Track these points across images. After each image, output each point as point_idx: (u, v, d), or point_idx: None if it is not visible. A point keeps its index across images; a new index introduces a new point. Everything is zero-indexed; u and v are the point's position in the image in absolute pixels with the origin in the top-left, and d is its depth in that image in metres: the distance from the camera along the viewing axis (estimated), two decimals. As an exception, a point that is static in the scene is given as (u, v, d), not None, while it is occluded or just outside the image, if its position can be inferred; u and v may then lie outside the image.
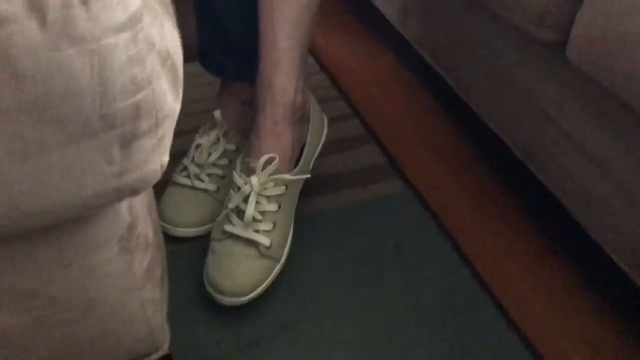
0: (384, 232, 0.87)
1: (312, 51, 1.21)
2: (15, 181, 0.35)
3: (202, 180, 0.82)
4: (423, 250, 0.84)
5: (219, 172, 0.83)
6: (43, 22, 0.32)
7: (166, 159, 0.42)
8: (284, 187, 0.75)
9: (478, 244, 0.86)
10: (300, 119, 0.78)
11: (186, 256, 0.80)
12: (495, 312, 0.77)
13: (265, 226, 0.73)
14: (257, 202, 0.73)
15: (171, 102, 0.41)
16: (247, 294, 0.72)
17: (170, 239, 0.80)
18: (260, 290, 0.73)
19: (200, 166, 0.83)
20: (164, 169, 0.42)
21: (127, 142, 0.38)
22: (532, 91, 0.71)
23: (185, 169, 0.83)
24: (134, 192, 0.41)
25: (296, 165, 0.79)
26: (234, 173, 0.76)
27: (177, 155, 0.89)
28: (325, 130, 0.87)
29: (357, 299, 0.77)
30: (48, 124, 0.34)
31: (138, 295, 0.52)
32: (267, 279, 0.73)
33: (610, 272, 0.76)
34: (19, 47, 0.31)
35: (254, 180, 0.73)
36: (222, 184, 0.82)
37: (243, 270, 0.72)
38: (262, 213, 0.73)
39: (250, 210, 0.72)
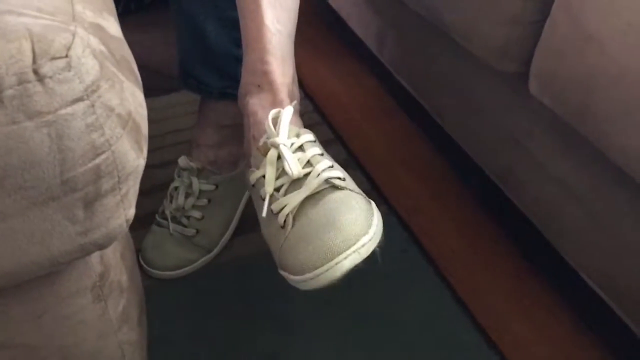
0: (367, 257, 0.88)
1: (296, 76, 1.23)
2: (-20, 246, 0.36)
3: (181, 224, 0.82)
4: (406, 274, 0.86)
5: (198, 214, 0.82)
6: (0, 98, 0.33)
7: (131, 212, 0.44)
8: (312, 136, 0.61)
9: (459, 267, 0.87)
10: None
11: (165, 290, 0.81)
12: (477, 334, 0.79)
13: (323, 164, 0.57)
14: (294, 152, 0.57)
15: (133, 159, 0.42)
16: (369, 233, 0.53)
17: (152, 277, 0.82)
18: (376, 224, 0.55)
19: (179, 209, 0.82)
20: (130, 222, 0.44)
21: (90, 202, 0.39)
22: (503, 119, 0.73)
23: (164, 211, 0.83)
24: (100, 247, 0.42)
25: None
26: (250, 179, 0.61)
27: (161, 187, 0.91)
28: None
29: (340, 325, 0.79)
30: (9, 192, 0.36)
31: (114, 338, 0.53)
32: (374, 214, 0.55)
33: (587, 293, 0.78)
34: (-24, 124, 0.33)
35: (274, 139, 0.57)
36: (202, 225, 0.82)
37: (346, 214, 0.53)
38: (308, 163, 0.57)
39: (293, 161, 0.56)
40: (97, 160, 0.38)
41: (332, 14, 1.23)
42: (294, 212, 0.55)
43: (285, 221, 0.55)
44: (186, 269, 0.82)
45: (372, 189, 0.99)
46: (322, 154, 0.59)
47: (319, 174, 0.55)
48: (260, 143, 0.60)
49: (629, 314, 0.66)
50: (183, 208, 0.82)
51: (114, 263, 0.51)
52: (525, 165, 0.71)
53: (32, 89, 0.34)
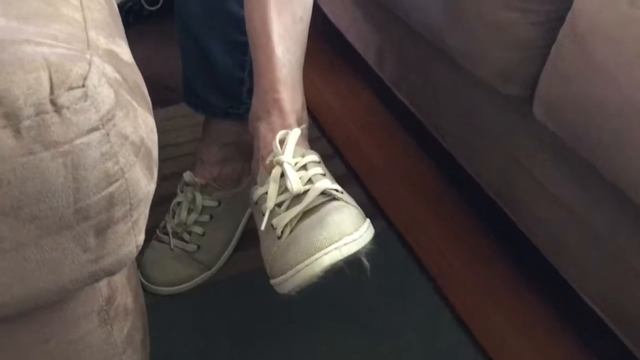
0: (366, 274, 0.88)
1: (294, 90, 1.23)
2: (-8, 275, 0.36)
3: (182, 239, 0.82)
4: (405, 291, 0.86)
5: (199, 230, 0.82)
6: (17, 129, 0.33)
7: (141, 238, 0.43)
8: (316, 156, 0.63)
9: (458, 284, 0.87)
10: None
11: (165, 307, 0.81)
12: (475, 352, 0.79)
13: (322, 183, 0.58)
14: (298, 171, 0.59)
15: (145, 185, 0.42)
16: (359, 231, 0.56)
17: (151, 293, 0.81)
18: (367, 226, 0.57)
19: (181, 224, 0.82)
20: (140, 247, 0.44)
21: (102, 229, 0.39)
22: (504, 139, 0.73)
23: (165, 226, 0.83)
24: (109, 273, 0.42)
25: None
26: (253, 196, 0.63)
27: (161, 201, 0.91)
28: None
29: (340, 342, 0.79)
30: (23, 222, 0.35)
31: (119, 361, 0.53)
32: (365, 221, 0.58)
33: (587, 313, 0.78)
34: (-7, 155, 0.33)
35: (280, 157, 0.59)
36: (203, 241, 0.82)
37: (338, 215, 0.56)
38: (309, 181, 0.59)
39: (295, 178, 0.57)
40: (111, 189, 0.38)
41: (331, 28, 1.24)
42: (293, 224, 0.57)
43: (282, 232, 0.57)
44: (186, 285, 0.82)
45: (371, 204, 0.99)
46: (324, 174, 0.61)
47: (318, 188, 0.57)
48: (267, 161, 0.62)
49: (628, 335, 0.66)
50: (185, 223, 0.82)
51: (120, 286, 0.50)
52: (526, 185, 0.72)
53: (50, 119, 0.34)
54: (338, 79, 1.27)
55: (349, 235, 0.54)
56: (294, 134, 0.61)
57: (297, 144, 0.61)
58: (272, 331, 0.78)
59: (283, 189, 0.59)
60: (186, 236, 0.82)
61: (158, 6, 1.28)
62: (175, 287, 0.81)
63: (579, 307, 0.78)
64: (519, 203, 0.75)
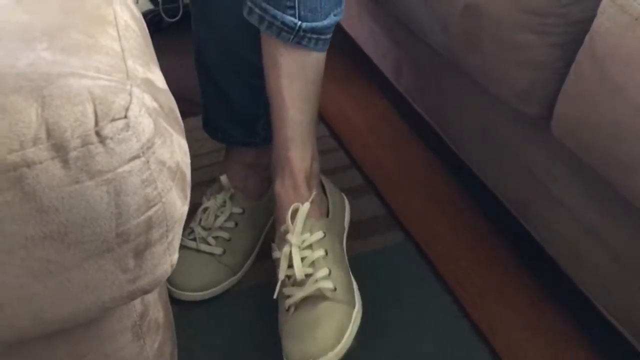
0: (384, 286, 0.89)
1: (311, 101, 1.25)
2: (38, 296, 0.38)
3: (208, 243, 0.85)
4: (422, 303, 0.87)
5: (225, 235, 0.85)
6: (65, 160, 0.35)
7: (176, 257, 0.45)
8: (322, 233, 0.75)
9: (475, 295, 0.88)
10: (318, 185, 0.80)
11: (189, 317, 0.82)
12: (494, 364, 0.80)
13: (321, 272, 0.71)
14: (302, 258, 0.72)
15: (180, 207, 0.44)
16: (335, 349, 0.68)
17: (176, 301, 0.83)
18: (345, 340, 0.69)
19: (206, 229, 0.85)
20: (174, 266, 0.45)
21: (141, 251, 0.41)
22: (521, 155, 0.74)
23: (192, 231, 0.86)
24: (145, 292, 0.44)
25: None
26: (273, 253, 0.76)
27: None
28: (347, 207, 0.90)
29: (358, 356, 0.80)
30: (68, 246, 0.37)
31: (149, 373, 0.54)
32: (348, 326, 0.70)
33: (605, 325, 0.79)
34: (43, 184, 0.35)
35: (289, 236, 0.72)
36: (228, 247, 0.85)
37: (321, 333, 0.68)
38: (312, 264, 0.72)
39: (298, 264, 0.70)
40: (150, 213, 0.40)
41: (348, 39, 1.25)
42: (296, 304, 0.71)
43: (288, 308, 0.72)
44: (213, 290, 0.84)
45: (388, 216, 1.00)
46: (326, 255, 0.73)
47: (316, 280, 0.71)
48: (282, 229, 0.75)
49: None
50: (211, 228, 0.85)
51: (152, 302, 0.52)
52: (543, 200, 0.73)
53: (95, 150, 0.36)
54: (355, 89, 1.28)
55: (330, 351, 0.68)
56: (303, 210, 0.73)
57: (307, 215, 0.73)
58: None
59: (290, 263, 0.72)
60: (212, 241, 0.85)
61: (177, 18, 1.30)
62: (202, 293, 0.83)
63: (597, 318, 0.79)
64: (535, 216, 0.76)
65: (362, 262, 0.93)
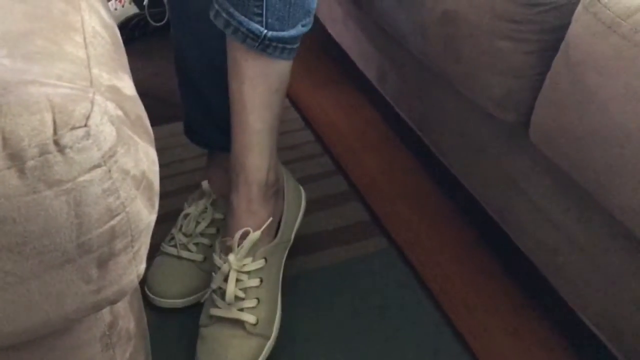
0: (368, 292, 0.89)
1: (297, 107, 1.24)
2: (-3, 308, 0.37)
3: (189, 250, 0.84)
4: (406, 310, 0.87)
5: (207, 241, 0.85)
6: (21, 170, 0.35)
7: (142, 267, 0.45)
8: (263, 261, 0.77)
9: (458, 301, 0.88)
10: (274, 194, 0.81)
11: (171, 327, 0.82)
12: (476, 372, 0.79)
13: (249, 303, 0.75)
14: (238, 280, 0.75)
15: (146, 217, 0.43)
16: None
17: (156, 309, 0.83)
18: None
19: (187, 235, 0.85)
20: (141, 277, 0.45)
21: (104, 261, 0.40)
22: (501, 161, 0.74)
23: (173, 238, 0.85)
24: (111, 302, 0.43)
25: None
26: (213, 254, 0.78)
27: (164, 217, 0.92)
28: (303, 201, 0.90)
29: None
30: (27, 257, 0.37)
31: (121, 384, 0.54)
32: (258, 358, 0.74)
33: (586, 332, 0.79)
34: (-1, 194, 0.34)
35: (231, 257, 0.75)
36: (209, 253, 0.84)
37: (232, 355, 0.73)
38: (244, 290, 0.75)
39: (231, 288, 0.74)
40: (112, 222, 0.39)
41: (333, 44, 1.25)
42: (219, 318, 0.75)
43: (211, 317, 0.76)
44: (194, 297, 0.83)
45: (373, 222, 1.00)
46: (260, 284, 0.76)
47: (242, 309, 0.74)
48: (227, 243, 0.77)
49: (626, 355, 0.67)
50: (192, 235, 0.84)
51: (122, 312, 0.51)
52: (524, 206, 0.73)
53: (53, 159, 0.35)
54: (340, 94, 1.28)
55: None
56: (251, 239, 0.75)
57: (255, 243, 0.75)
58: (273, 354, 0.79)
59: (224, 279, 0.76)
60: (193, 247, 0.84)
61: (163, 22, 1.30)
62: (183, 300, 0.83)
63: (578, 325, 0.79)
64: (517, 223, 0.76)
65: (345, 269, 0.93)
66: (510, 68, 0.61)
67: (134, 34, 1.35)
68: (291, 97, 1.25)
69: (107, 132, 0.38)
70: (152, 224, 0.45)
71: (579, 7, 0.54)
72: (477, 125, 0.76)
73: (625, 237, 0.58)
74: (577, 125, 0.54)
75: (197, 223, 0.86)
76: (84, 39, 0.45)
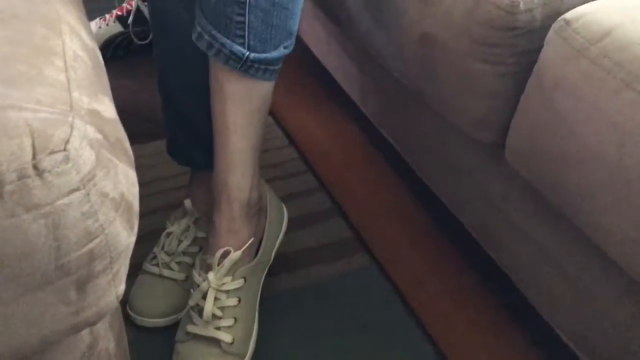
0: (350, 310, 0.89)
1: (280, 124, 1.25)
2: (-25, 331, 0.38)
3: (171, 269, 0.84)
4: (388, 328, 0.87)
5: (189, 260, 0.84)
6: (0, 194, 0.35)
7: (122, 288, 0.45)
8: (242, 280, 0.77)
9: (441, 319, 0.89)
10: (257, 212, 0.81)
11: (153, 345, 0.82)
12: (457, 390, 0.80)
13: (226, 322, 0.75)
14: (216, 298, 0.75)
15: (125, 238, 0.43)
16: None
17: (138, 328, 0.82)
18: None
19: (170, 254, 0.85)
20: (120, 298, 0.45)
21: (83, 283, 0.41)
22: (479, 181, 0.75)
23: (155, 257, 0.85)
24: (90, 324, 0.43)
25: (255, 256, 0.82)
26: (193, 271, 0.78)
27: (147, 235, 0.92)
28: (285, 220, 0.90)
29: (322, 381, 0.80)
30: (5, 280, 0.37)
31: (100, 405, 0.53)
32: None
33: (565, 350, 0.79)
34: (-23, 218, 0.34)
35: (210, 275, 0.75)
36: (191, 272, 0.84)
37: None
38: (222, 309, 0.75)
39: (209, 306, 0.74)
40: (91, 245, 0.40)
41: (318, 64, 1.26)
42: (195, 334, 0.76)
43: (188, 333, 0.76)
44: (176, 316, 0.83)
45: (355, 239, 1.00)
46: (238, 303, 0.76)
47: (219, 328, 0.75)
48: (207, 261, 0.77)
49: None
50: (174, 253, 0.85)
51: (102, 332, 0.52)
52: (502, 225, 0.74)
53: (31, 183, 0.36)
54: (323, 112, 1.29)
55: None
56: (232, 258, 0.76)
57: (235, 263, 0.76)
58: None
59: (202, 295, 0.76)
60: (175, 266, 0.84)
61: (147, 40, 1.31)
62: (165, 319, 0.82)
63: (555, 342, 0.80)
64: (496, 241, 0.77)
65: (328, 286, 0.93)
66: (486, 90, 0.62)
67: (118, 52, 1.35)
68: (275, 115, 1.26)
69: (86, 156, 0.38)
70: (132, 245, 0.46)
71: (550, 32, 0.55)
72: (455, 145, 0.78)
73: (598, 256, 0.59)
74: (550, 147, 0.55)
75: (180, 241, 0.86)
76: (65, 62, 0.45)
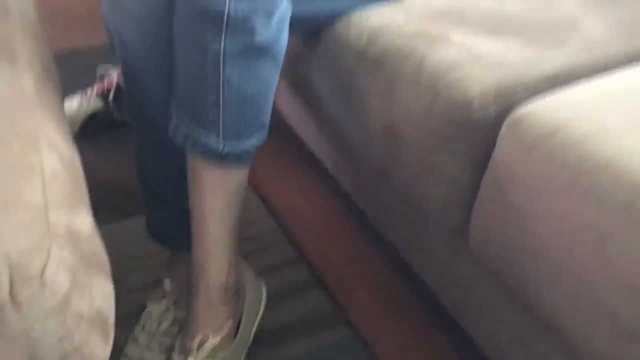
0: None
1: (260, 194, 1.27)
2: None
3: (151, 350, 0.85)
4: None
5: (169, 341, 0.85)
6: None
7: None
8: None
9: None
10: (235, 294, 0.82)
11: None
12: None
13: None
14: None
15: (101, 351, 0.45)
16: None
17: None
18: None
19: (150, 334, 0.86)
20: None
21: (59, 402, 0.42)
22: (449, 263, 0.78)
23: (136, 338, 0.86)
24: None
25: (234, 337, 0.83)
26: (173, 354, 0.79)
27: (127, 314, 0.92)
28: (264, 298, 0.91)
29: None
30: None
31: None
32: None
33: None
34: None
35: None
36: (171, 353, 0.85)
37: None
38: None
39: None
40: (67, 366, 0.41)
41: (296, 136, 1.29)
42: None
43: None
44: None
45: (335, 312, 1.01)
46: None
47: None
48: (187, 346, 0.78)
49: None
50: (155, 334, 0.85)
51: None
52: (474, 305, 0.76)
53: (8, 315, 0.37)
54: (302, 182, 1.31)
55: None
56: (211, 342, 0.77)
57: (214, 346, 0.77)
58: None
59: None
60: (155, 347, 0.84)
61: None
62: None
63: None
64: (471, 319, 0.79)
65: (309, 360, 0.93)
66: (446, 180, 0.65)
67: (100, 128, 1.38)
68: (254, 184, 1.28)
69: (61, 281, 0.40)
70: (108, 355, 0.47)
71: (503, 128, 0.59)
72: (423, 227, 0.80)
73: (563, 339, 0.61)
74: (506, 239, 0.58)
75: (160, 322, 0.86)
76: (43, 181, 0.47)
